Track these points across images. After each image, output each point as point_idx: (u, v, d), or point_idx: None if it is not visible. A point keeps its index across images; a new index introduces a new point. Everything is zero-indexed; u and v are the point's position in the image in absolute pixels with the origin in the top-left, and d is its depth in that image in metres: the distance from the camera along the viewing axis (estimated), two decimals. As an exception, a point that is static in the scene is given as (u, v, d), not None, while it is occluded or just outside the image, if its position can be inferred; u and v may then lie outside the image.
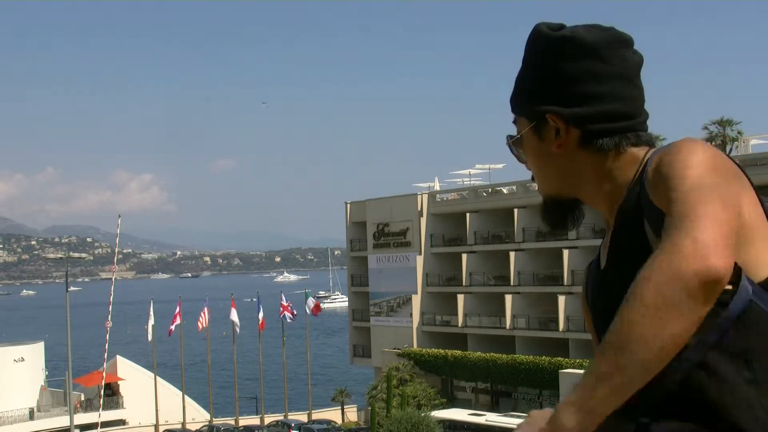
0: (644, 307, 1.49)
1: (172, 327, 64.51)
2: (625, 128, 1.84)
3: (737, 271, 1.62)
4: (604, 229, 1.97)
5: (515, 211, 58.01)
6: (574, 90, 1.82)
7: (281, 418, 60.70)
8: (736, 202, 1.60)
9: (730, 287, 1.61)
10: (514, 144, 1.96)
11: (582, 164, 1.86)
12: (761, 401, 1.63)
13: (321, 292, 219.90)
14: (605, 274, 1.86)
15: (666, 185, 1.63)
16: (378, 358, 65.21)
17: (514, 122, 1.96)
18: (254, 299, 68.95)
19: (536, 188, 1.98)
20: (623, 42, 1.85)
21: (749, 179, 1.72)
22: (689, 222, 1.52)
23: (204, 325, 63.65)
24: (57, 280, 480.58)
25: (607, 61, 1.82)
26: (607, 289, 1.84)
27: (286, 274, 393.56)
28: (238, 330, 65.51)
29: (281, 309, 65.93)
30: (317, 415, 62.93)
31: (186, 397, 63.16)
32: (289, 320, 66.05)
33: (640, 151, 1.83)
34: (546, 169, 1.91)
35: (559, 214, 1.95)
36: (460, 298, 61.25)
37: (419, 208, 64.42)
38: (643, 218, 1.71)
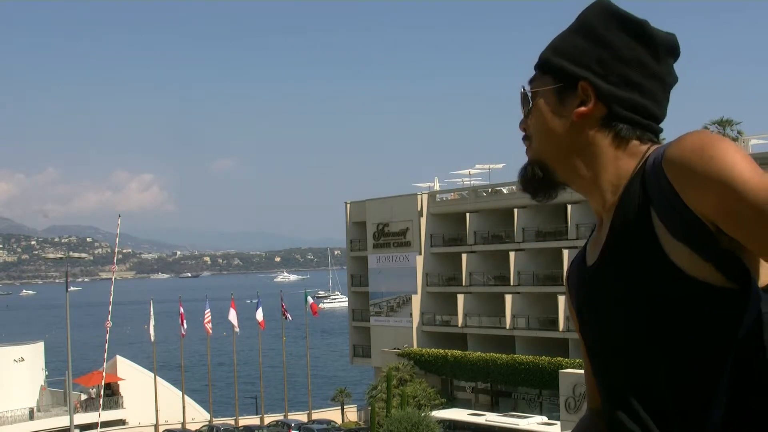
0: None
1: (183, 329, 65.20)
2: (647, 127, 1.83)
3: (745, 274, 1.63)
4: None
5: (515, 211, 58.01)
6: (620, 71, 1.80)
7: (281, 418, 60.70)
8: None
9: (734, 285, 1.62)
10: (526, 98, 1.90)
11: (592, 143, 1.83)
12: (762, 406, 1.64)
13: (321, 292, 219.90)
14: (595, 272, 1.83)
15: (732, 190, 1.57)
16: (378, 358, 65.21)
17: (531, 80, 1.91)
18: (254, 300, 68.92)
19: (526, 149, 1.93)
20: (676, 54, 1.85)
21: None
22: None
23: (209, 330, 63.82)
24: (57, 280, 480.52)
25: (659, 61, 1.82)
26: (597, 288, 1.81)
27: (285, 274, 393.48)
28: (237, 330, 65.50)
29: (282, 309, 65.97)
30: (317, 415, 62.92)
31: (186, 397, 63.16)
32: (288, 318, 66.05)
33: (644, 147, 1.81)
34: (553, 133, 1.85)
35: (540, 181, 1.90)
36: (460, 298, 61.24)
37: (419, 208, 64.41)
38: (650, 214, 1.69)
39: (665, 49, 1.82)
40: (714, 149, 1.60)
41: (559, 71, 1.86)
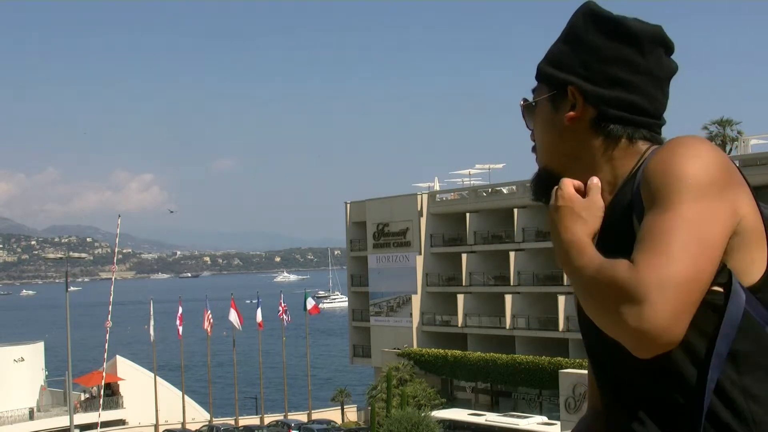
0: (600, 295, 1.62)
1: (180, 330, 65.47)
2: (641, 123, 1.84)
3: (728, 275, 1.65)
4: None
5: (515, 211, 58.01)
6: (605, 71, 1.82)
7: (281, 418, 60.71)
8: (718, 238, 1.61)
9: (720, 289, 1.64)
10: (527, 108, 1.97)
11: (586, 145, 1.86)
12: (749, 406, 1.66)
13: (320, 292, 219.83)
14: None
15: (654, 198, 1.64)
16: (378, 358, 65.21)
17: (533, 90, 1.97)
18: (254, 301, 68.92)
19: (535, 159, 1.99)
20: (665, 44, 1.85)
21: (746, 180, 1.72)
22: (657, 279, 1.54)
23: (209, 327, 63.92)
24: (57, 280, 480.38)
25: (644, 54, 1.82)
26: None
27: (285, 274, 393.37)
28: (239, 328, 65.52)
29: (280, 310, 66.00)
30: (317, 415, 62.93)
31: (186, 397, 63.17)
32: (286, 322, 66.05)
33: (644, 147, 1.83)
34: (550, 141, 1.91)
35: (549, 187, 1.92)
36: (460, 298, 61.24)
37: (419, 208, 64.42)
38: (632, 214, 1.72)
39: (650, 42, 1.82)
40: (674, 156, 1.65)
41: (549, 79, 1.90)
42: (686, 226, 1.58)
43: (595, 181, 1.81)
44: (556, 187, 1.84)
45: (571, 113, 1.85)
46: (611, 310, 1.58)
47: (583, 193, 1.83)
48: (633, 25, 1.82)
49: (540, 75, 1.94)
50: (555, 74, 1.88)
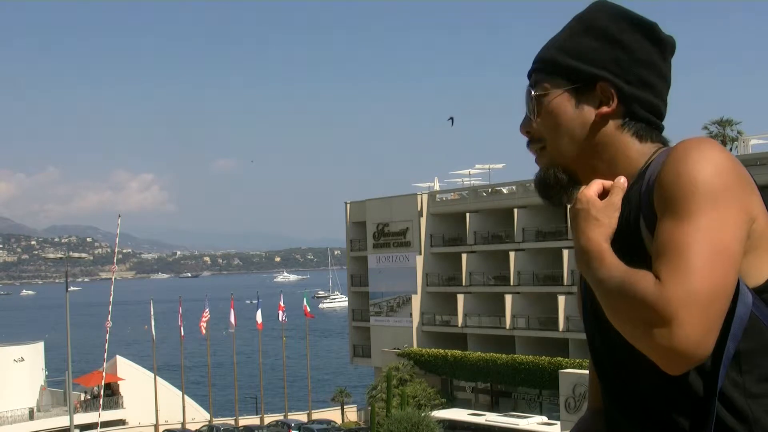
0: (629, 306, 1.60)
1: (182, 330, 65.64)
2: (658, 126, 1.86)
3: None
4: None
5: (515, 211, 58.01)
6: (637, 72, 1.83)
7: (281, 418, 60.71)
8: (737, 246, 1.60)
9: None
10: (538, 98, 1.89)
11: (608, 142, 1.84)
12: (750, 406, 1.65)
13: (320, 292, 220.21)
14: None
15: (668, 205, 1.63)
16: (378, 358, 65.21)
17: (535, 82, 1.91)
18: (254, 301, 68.97)
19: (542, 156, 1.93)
20: (673, 53, 1.89)
21: (755, 182, 1.71)
22: (685, 297, 1.54)
23: (205, 330, 64.00)
24: (57, 280, 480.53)
25: (666, 61, 1.86)
26: None
27: (285, 274, 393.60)
28: (233, 330, 65.54)
29: (279, 310, 66.07)
30: (317, 415, 62.94)
31: (186, 396, 63.18)
32: (282, 321, 66.08)
33: (653, 148, 1.83)
34: (571, 135, 1.86)
35: (556, 185, 1.90)
36: (460, 298, 61.23)
37: (419, 208, 64.41)
38: (640, 216, 1.72)
39: (671, 49, 1.87)
40: (687, 160, 1.64)
41: (573, 72, 1.86)
42: (706, 237, 1.57)
43: (621, 181, 1.79)
44: (583, 187, 1.82)
45: (606, 108, 1.83)
46: (640, 328, 1.57)
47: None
48: (663, 32, 1.86)
49: (558, 66, 1.88)
50: (584, 68, 1.85)
